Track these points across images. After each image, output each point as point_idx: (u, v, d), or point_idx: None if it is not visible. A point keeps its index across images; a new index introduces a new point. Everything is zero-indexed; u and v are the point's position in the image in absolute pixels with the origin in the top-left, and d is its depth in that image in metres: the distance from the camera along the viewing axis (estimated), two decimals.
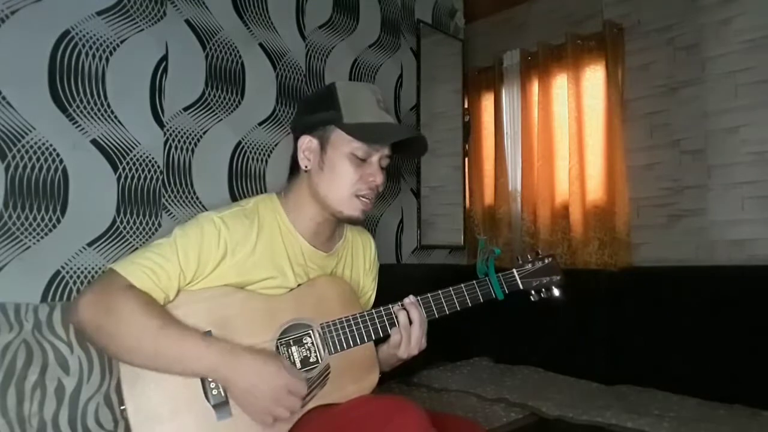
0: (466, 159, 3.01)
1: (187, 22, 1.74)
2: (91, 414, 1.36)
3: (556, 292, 1.25)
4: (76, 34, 1.49)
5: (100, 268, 1.49)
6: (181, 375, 0.97)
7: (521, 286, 1.24)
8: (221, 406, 0.99)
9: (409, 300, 1.14)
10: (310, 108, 1.14)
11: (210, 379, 0.99)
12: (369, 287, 1.33)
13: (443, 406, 1.86)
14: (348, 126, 1.07)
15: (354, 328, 1.10)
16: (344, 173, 1.09)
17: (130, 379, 0.97)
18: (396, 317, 1.12)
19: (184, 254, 1.01)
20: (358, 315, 1.11)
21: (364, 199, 1.10)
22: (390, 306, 1.14)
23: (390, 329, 1.12)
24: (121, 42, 1.58)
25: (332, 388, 1.07)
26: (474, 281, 1.21)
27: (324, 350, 1.08)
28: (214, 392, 0.99)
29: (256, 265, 1.08)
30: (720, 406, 1.82)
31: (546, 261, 1.26)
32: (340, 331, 1.10)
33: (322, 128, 1.10)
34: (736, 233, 2.24)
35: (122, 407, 0.97)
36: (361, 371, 1.12)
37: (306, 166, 1.12)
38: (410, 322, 1.12)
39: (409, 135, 1.12)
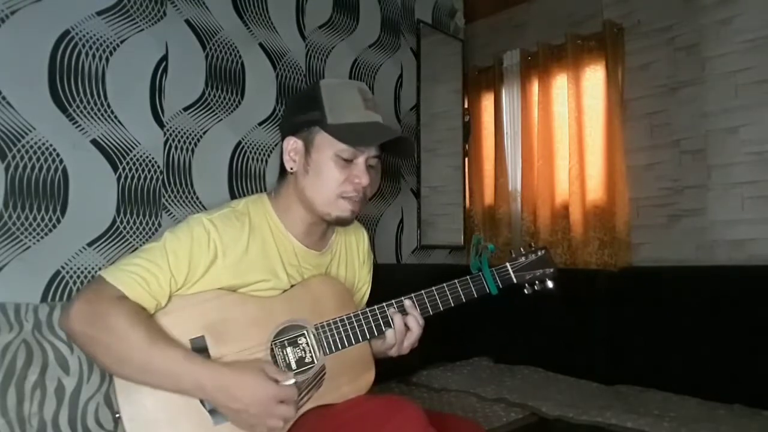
0: (466, 159, 3.01)
1: (187, 22, 1.74)
2: (91, 414, 1.36)
3: (549, 284, 1.24)
4: (76, 34, 1.49)
5: (100, 268, 1.48)
6: (170, 391, 0.96)
7: (515, 280, 1.23)
8: (217, 411, 0.98)
9: (409, 308, 1.13)
10: (296, 108, 1.13)
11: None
12: (365, 280, 1.32)
13: (443, 406, 1.86)
14: (331, 127, 1.06)
15: (349, 328, 1.10)
16: (329, 176, 1.07)
17: (124, 386, 0.96)
18: (391, 319, 1.11)
19: (174, 258, 1.00)
20: (352, 315, 1.11)
21: (351, 200, 1.09)
22: (384, 305, 1.13)
23: (385, 328, 1.12)
24: (121, 42, 1.58)
25: (328, 389, 1.07)
26: (467, 276, 1.20)
27: (319, 351, 1.08)
28: None
29: (248, 268, 1.07)
30: (720, 406, 1.82)
31: (539, 254, 1.25)
32: (335, 332, 1.09)
33: (306, 130, 1.09)
34: (736, 233, 2.24)
35: (117, 414, 0.96)
36: (357, 371, 1.12)
37: (291, 168, 1.11)
38: (407, 328, 1.12)
39: (392, 136, 1.08)
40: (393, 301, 1.14)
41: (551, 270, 1.25)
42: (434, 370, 2.29)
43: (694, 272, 2.19)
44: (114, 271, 0.98)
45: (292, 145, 1.11)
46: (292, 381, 0.99)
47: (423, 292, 1.17)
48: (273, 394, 0.95)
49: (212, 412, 0.98)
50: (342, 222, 1.12)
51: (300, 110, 1.11)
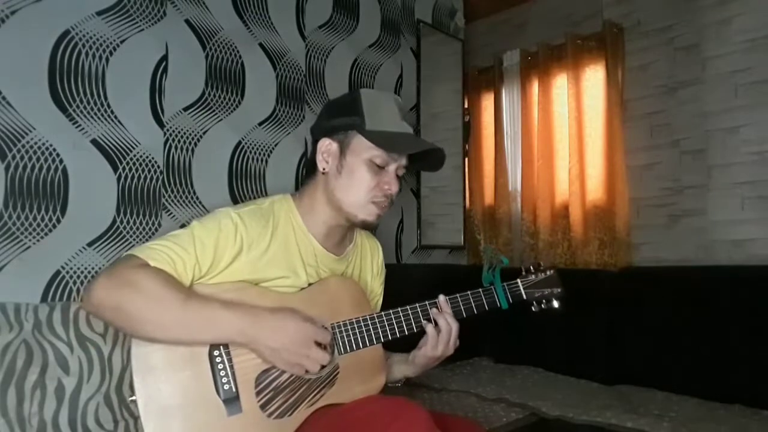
0: (466, 159, 3.01)
1: (187, 22, 1.74)
2: (91, 414, 1.36)
3: (555, 303, 1.29)
4: (76, 34, 1.49)
5: (99, 268, 1.49)
6: (206, 343, 0.99)
7: (525, 297, 1.27)
8: (232, 401, 0.99)
9: (445, 306, 1.15)
10: (333, 112, 1.15)
11: (225, 352, 1.01)
12: (377, 291, 1.35)
13: (443, 406, 1.86)
14: (370, 133, 1.08)
15: (365, 329, 1.11)
16: (362, 179, 1.10)
17: (141, 372, 0.97)
18: (423, 324, 1.14)
19: (201, 245, 1.01)
20: (368, 317, 1.12)
21: (379, 206, 1.12)
22: (399, 309, 1.14)
23: (399, 334, 1.13)
24: (121, 42, 1.58)
25: (341, 389, 1.08)
26: (480, 289, 1.22)
27: (334, 350, 1.09)
28: (225, 387, 0.99)
29: (269, 264, 1.08)
30: (720, 406, 1.82)
31: (548, 273, 1.30)
32: (351, 332, 1.10)
33: (343, 133, 1.11)
34: (736, 233, 2.24)
35: (132, 398, 0.97)
36: (369, 373, 1.13)
37: (324, 169, 1.13)
38: (439, 330, 1.14)
39: (428, 147, 1.13)
40: (418, 304, 1.16)
41: (558, 290, 1.30)
42: (434, 370, 2.27)
43: (694, 272, 2.18)
44: (141, 248, 1.00)
45: (326, 146, 1.13)
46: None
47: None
48: (312, 335, 1.01)
49: (226, 402, 0.99)
50: (367, 226, 1.15)
51: (338, 114, 1.13)
